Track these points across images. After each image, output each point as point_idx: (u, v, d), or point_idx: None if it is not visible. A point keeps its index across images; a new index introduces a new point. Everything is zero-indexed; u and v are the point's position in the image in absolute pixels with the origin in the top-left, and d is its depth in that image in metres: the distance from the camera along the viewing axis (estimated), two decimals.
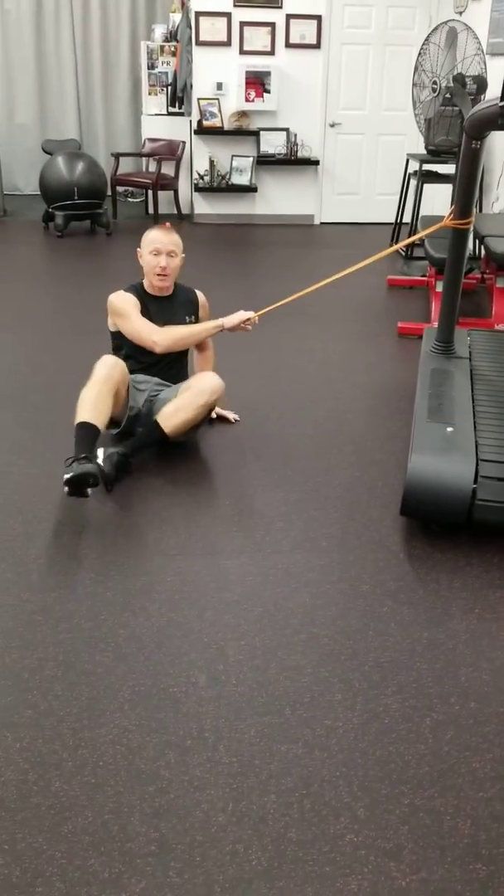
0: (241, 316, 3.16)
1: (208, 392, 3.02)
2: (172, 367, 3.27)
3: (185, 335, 3.15)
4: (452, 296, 3.24)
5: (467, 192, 2.78)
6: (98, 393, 2.88)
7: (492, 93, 6.01)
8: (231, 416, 3.48)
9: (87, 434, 2.80)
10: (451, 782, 1.74)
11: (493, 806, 1.69)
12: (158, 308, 3.22)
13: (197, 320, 3.32)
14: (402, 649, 2.14)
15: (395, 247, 3.46)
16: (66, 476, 2.60)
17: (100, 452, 2.81)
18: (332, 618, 2.25)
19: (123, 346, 3.21)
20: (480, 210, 6.65)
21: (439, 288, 4.70)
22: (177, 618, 2.23)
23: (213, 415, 3.43)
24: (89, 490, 2.67)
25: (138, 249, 3.24)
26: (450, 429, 2.74)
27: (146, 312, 3.16)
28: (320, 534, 2.66)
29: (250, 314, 3.19)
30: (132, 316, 3.13)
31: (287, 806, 1.68)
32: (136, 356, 3.19)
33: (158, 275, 3.16)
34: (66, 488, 2.62)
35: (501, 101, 2.10)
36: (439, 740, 1.85)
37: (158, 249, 3.12)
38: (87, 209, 7.16)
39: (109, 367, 2.96)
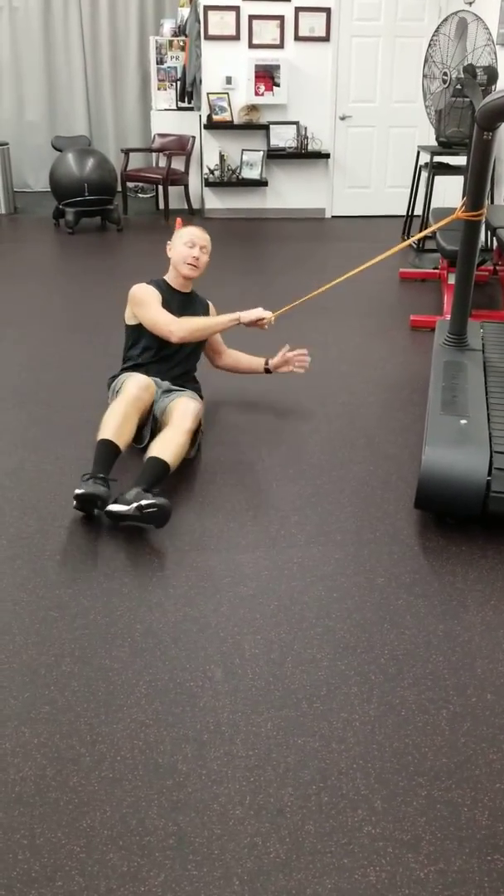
0: (258, 312, 3.18)
1: (192, 416, 2.91)
2: (186, 365, 3.26)
3: (201, 326, 3.15)
4: (465, 288, 3.23)
5: (479, 184, 2.77)
6: (125, 414, 2.81)
7: (503, 82, 5.97)
8: (299, 360, 3.48)
9: (108, 453, 2.73)
10: (468, 774, 1.74)
11: None
12: (179, 303, 3.24)
13: None
14: (417, 642, 2.14)
15: (408, 241, 3.45)
16: (77, 491, 2.58)
17: (129, 498, 2.60)
18: (348, 611, 2.25)
19: (142, 337, 3.20)
20: (493, 201, 6.61)
21: (451, 280, 4.68)
22: (193, 612, 2.24)
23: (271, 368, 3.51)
24: (96, 511, 2.66)
25: (168, 243, 3.30)
26: (463, 421, 2.73)
27: (167, 306, 3.17)
28: (335, 528, 2.66)
29: (268, 314, 3.20)
30: (152, 305, 3.14)
31: (305, 798, 1.68)
32: (153, 348, 3.19)
33: (189, 264, 3.19)
34: (75, 502, 2.62)
35: None
36: (456, 732, 1.85)
37: (193, 242, 3.21)
38: (98, 205, 7.18)
39: (141, 389, 2.90)
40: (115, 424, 2.78)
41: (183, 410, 2.91)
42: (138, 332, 3.22)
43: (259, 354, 3.55)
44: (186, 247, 3.21)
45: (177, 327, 3.08)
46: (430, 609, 2.27)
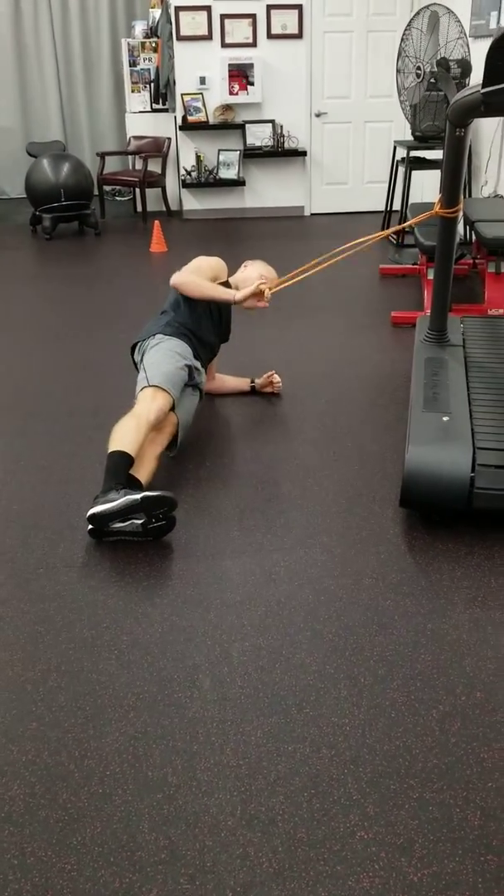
0: (251, 289, 3.16)
1: (166, 437, 2.91)
2: (213, 349, 3.40)
3: (201, 287, 3.19)
4: (444, 284, 3.22)
5: (454, 180, 2.76)
6: (141, 443, 2.74)
7: (476, 76, 5.98)
8: (275, 385, 3.72)
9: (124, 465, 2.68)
10: (459, 774, 1.74)
11: (502, 796, 1.68)
12: (227, 305, 3.37)
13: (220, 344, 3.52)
14: (406, 642, 2.13)
15: (384, 232, 3.44)
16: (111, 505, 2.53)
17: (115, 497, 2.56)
18: (336, 613, 2.25)
19: (196, 307, 3.26)
20: (470, 194, 6.62)
21: (431, 276, 4.68)
22: (180, 622, 2.22)
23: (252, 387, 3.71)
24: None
25: (245, 265, 3.53)
26: (446, 418, 2.73)
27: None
28: (321, 529, 2.65)
29: (264, 286, 3.20)
30: (201, 271, 3.25)
31: (296, 806, 1.67)
32: (198, 324, 3.26)
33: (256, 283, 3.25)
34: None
35: (483, 87, 2.07)
36: (446, 732, 1.85)
37: (266, 277, 3.39)
38: (75, 210, 7.15)
39: (162, 414, 2.82)
40: (133, 447, 2.70)
41: (159, 440, 2.89)
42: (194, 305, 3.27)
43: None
44: (259, 277, 3.35)
45: (183, 276, 3.20)
46: (418, 608, 2.26)
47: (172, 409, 2.92)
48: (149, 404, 2.82)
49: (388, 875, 1.52)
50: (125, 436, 2.71)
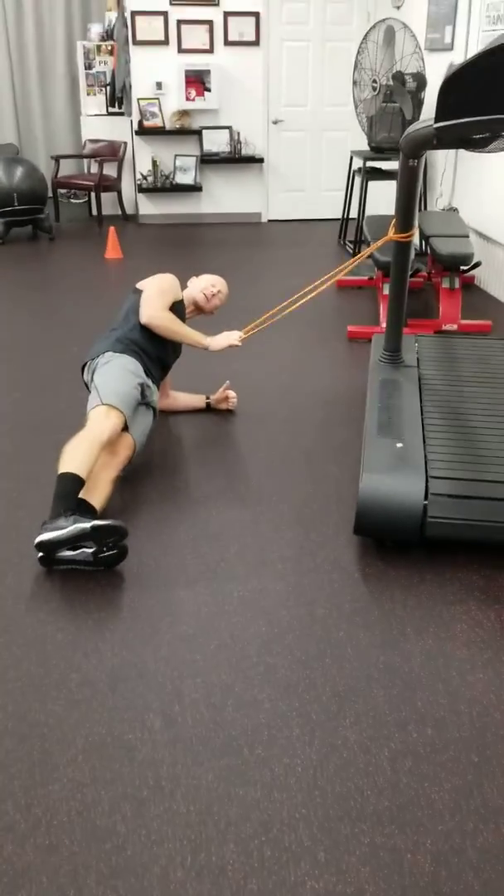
0: (226, 339, 3.34)
1: (121, 461, 2.88)
2: (169, 364, 3.41)
3: (174, 328, 3.23)
4: (398, 306, 3.23)
5: (407, 207, 2.77)
6: (93, 464, 2.68)
7: (431, 89, 6.03)
8: (230, 400, 3.72)
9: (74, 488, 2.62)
10: (410, 816, 1.74)
11: (452, 839, 1.68)
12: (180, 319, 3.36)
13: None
14: (358, 676, 2.13)
15: (350, 264, 3.44)
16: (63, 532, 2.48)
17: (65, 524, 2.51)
18: (289, 647, 2.23)
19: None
20: (425, 207, 6.67)
21: (386, 290, 4.70)
22: (130, 657, 2.19)
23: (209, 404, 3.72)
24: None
25: (194, 277, 3.54)
26: (399, 444, 2.73)
27: (176, 310, 3.30)
28: (276, 556, 2.63)
29: (234, 337, 3.35)
30: (165, 295, 3.26)
31: (247, 854, 1.65)
32: (158, 350, 3.25)
33: (205, 295, 3.43)
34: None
35: (436, 122, 2.08)
36: (398, 772, 1.85)
37: (215, 285, 3.48)
38: (29, 215, 7.05)
39: (115, 434, 2.79)
40: (86, 465, 2.65)
41: (114, 462, 2.85)
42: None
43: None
44: (210, 284, 3.47)
45: (157, 312, 3.18)
46: (371, 640, 2.26)
47: (126, 429, 2.89)
48: (101, 423, 2.77)
49: None
50: (76, 457, 2.65)
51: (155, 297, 3.22)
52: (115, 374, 2.99)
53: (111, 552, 2.50)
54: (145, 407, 3.11)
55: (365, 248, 6.49)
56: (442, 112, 2.07)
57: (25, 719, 1.98)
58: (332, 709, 2.02)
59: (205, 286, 3.44)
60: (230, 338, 3.34)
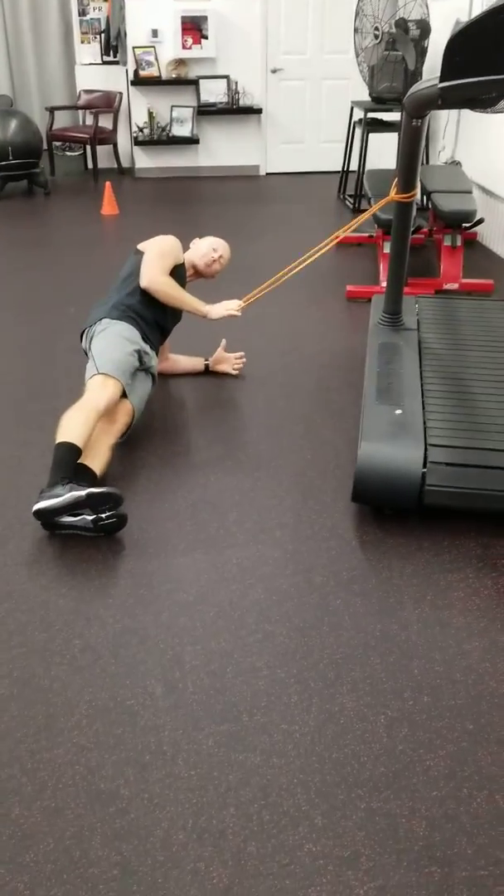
0: (225, 308, 3.33)
1: (120, 427, 2.90)
2: (169, 328, 3.39)
3: (173, 294, 3.21)
4: (398, 269, 3.20)
5: (409, 167, 2.73)
6: (90, 434, 2.70)
7: (434, 37, 5.88)
8: (232, 363, 3.71)
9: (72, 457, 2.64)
10: (405, 782, 1.79)
11: (446, 805, 1.73)
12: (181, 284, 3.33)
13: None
14: (355, 644, 2.16)
15: (349, 227, 3.40)
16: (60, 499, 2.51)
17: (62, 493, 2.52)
18: (287, 614, 2.27)
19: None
20: (427, 160, 6.56)
21: (387, 249, 4.65)
22: (131, 623, 2.22)
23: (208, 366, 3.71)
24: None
25: (196, 239, 3.50)
26: (398, 411, 2.74)
27: (177, 274, 3.27)
28: (274, 523, 2.66)
29: (234, 306, 3.33)
30: (165, 258, 3.22)
31: (246, 818, 1.70)
32: (157, 314, 3.23)
33: (206, 262, 3.39)
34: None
35: (441, 82, 2.04)
36: (394, 738, 1.89)
37: (216, 249, 3.43)
38: (23, 169, 6.93)
39: (112, 404, 2.81)
40: (83, 435, 2.66)
41: (111, 429, 2.87)
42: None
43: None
44: (212, 248, 3.42)
45: (156, 277, 3.15)
46: (368, 608, 2.29)
47: (124, 395, 2.89)
48: (98, 392, 2.77)
49: (335, 889, 1.57)
50: (73, 426, 2.66)
51: (155, 260, 3.19)
52: (112, 341, 2.98)
53: (110, 520, 2.52)
54: (144, 373, 3.10)
55: (365, 204, 6.41)
56: (447, 71, 2.02)
57: (30, 684, 2.02)
58: (329, 676, 2.06)
59: (206, 251, 3.40)
60: (229, 307, 3.32)
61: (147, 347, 3.12)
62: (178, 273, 3.27)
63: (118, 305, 3.12)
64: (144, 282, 3.14)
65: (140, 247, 3.29)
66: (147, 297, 3.18)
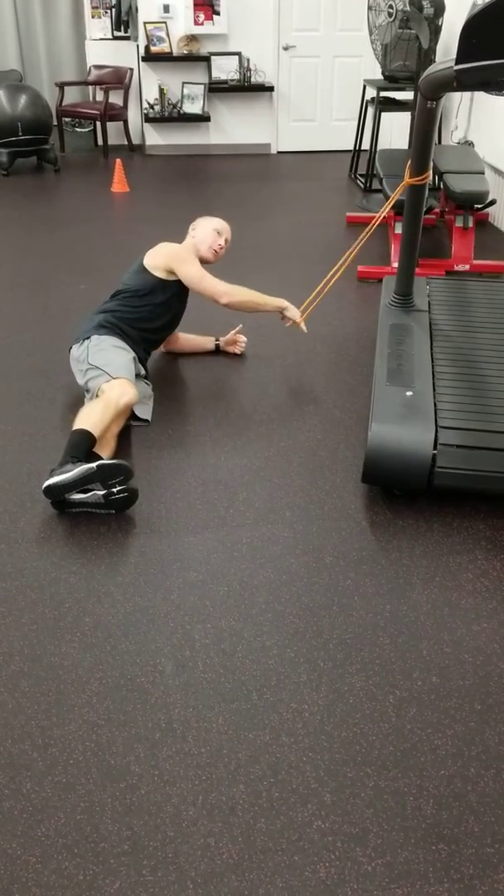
0: (297, 313, 3.42)
1: (116, 402, 2.86)
2: (162, 338, 3.37)
3: (251, 299, 3.29)
4: (410, 249, 3.18)
5: (423, 150, 2.70)
6: (107, 427, 2.74)
7: (449, 15, 5.81)
8: (239, 344, 3.71)
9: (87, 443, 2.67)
10: (413, 761, 1.80)
11: (454, 784, 1.75)
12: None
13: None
14: (365, 624, 2.17)
15: (370, 229, 3.37)
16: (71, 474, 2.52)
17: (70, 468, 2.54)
18: (297, 594, 2.28)
19: (157, 300, 3.20)
20: (440, 140, 6.49)
21: (398, 230, 4.62)
22: (142, 602, 2.24)
23: (216, 346, 3.70)
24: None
25: (195, 223, 3.39)
26: (409, 392, 2.73)
27: (180, 283, 3.26)
28: (284, 503, 2.66)
29: (298, 317, 3.41)
30: (197, 264, 3.22)
31: (256, 795, 1.72)
32: (157, 319, 3.23)
33: (215, 250, 3.31)
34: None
35: (456, 64, 2.01)
36: (402, 718, 1.90)
37: (221, 232, 3.33)
38: (33, 145, 6.88)
39: (131, 402, 2.84)
40: (99, 426, 2.70)
41: (108, 399, 2.86)
42: (160, 291, 3.21)
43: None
44: (215, 233, 3.32)
45: (228, 290, 3.19)
46: (377, 588, 2.30)
47: None
48: (118, 392, 2.81)
49: (343, 865, 1.59)
50: (90, 417, 2.71)
51: (202, 276, 3.19)
52: (113, 352, 3.01)
53: (121, 495, 2.53)
54: (137, 378, 3.13)
55: (377, 183, 6.35)
56: (463, 54, 2.00)
57: (41, 662, 2.04)
58: (338, 656, 2.07)
59: (211, 239, 3.30)
60: (297, 314, 3.43)
61: (135, 357, 3.14)
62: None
63: (105, 323, 3.12)
64: (223, 301, 3.19)
65: (148, 260, 3.24)
66: (150, 310, 3.18)
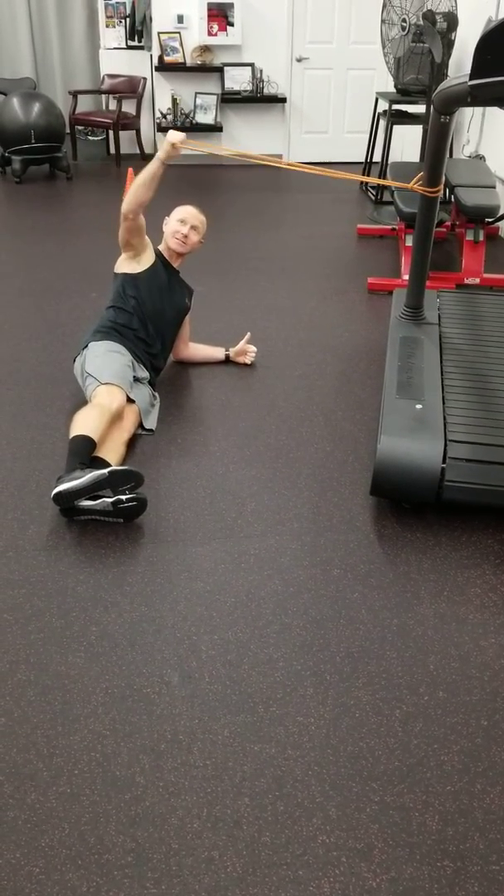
0: (170, 137, 3.03)
1: (131, 425, 2.96)
2: (162, 348, 3.34)
3: (138, 183, 3.09)
4: (421, 262, 3.19)
5: (436, 164, 2.71)
6: (105, 430, 2.76)
7: (462, 30, 5.83)
8: (248, 354, 3.69)
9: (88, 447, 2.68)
10: (419, 777, 1.79)
11: (460, 800, 1.74)
12: (167, 275, 3.31)
13: (189, 306, 3.47)
14: (372, 637, 2.17)
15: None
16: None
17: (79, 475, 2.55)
18: (304, 606, 2.27)
19: (130, 301, 3.20)
20: (451, 154, 6.50)
21: (409, 242, 4.63)
22: (149, 612, 2.23)
23: (227, 356, 3.69)
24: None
25: (166, 218, 3.38)
26: (419, 406, 2.73)
27: (155, 272, 3.26)
28: (292, 514, 2.66)
29: (178, 137, 3.03)
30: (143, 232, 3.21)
31: (261, 808, 1.71)
32: (136, 320, 3.21)
33: (177, 239, 3.29)
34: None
35: (471, 79, 2.02)
36: (409, 733, 1.90)
37: (185, 220, 3.31)
38: (46, 153, 6.92)
39: (121, 406, 2.86)
40: (97, 430, 2.71)
41: (123, 426, 2.92)
42: (130, 285, 3.21)
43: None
44: (178, 222, 3.30)
45: (124, 205, 3.11)
46: (385, 602, 2.29)
47: (129, 400, 2.98)
48: (106, 398, 2.83)
49: (348, 880, 1.58)
50: (86, 422, 2.73)
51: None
52: (104, 358, 3.04)
53: (130, 503, 2.53)
54: (136, 382, 3.13)
55: (388, 196, 6.37)
56: (478, 69, 2.00)
57: (47, 671, 2.04)
58: (345, 669, 2.06)
59: (173, 230, 3.29)
60: (174, 136, 3.05)
61: (134, 360, 3.16)
62: (162, 260, 3.31)
63: (100, 329, 3.18)
64: (124, 207, 3.09)
65: (115, 267, 3.33)
66: (120, 316, 3.21)
